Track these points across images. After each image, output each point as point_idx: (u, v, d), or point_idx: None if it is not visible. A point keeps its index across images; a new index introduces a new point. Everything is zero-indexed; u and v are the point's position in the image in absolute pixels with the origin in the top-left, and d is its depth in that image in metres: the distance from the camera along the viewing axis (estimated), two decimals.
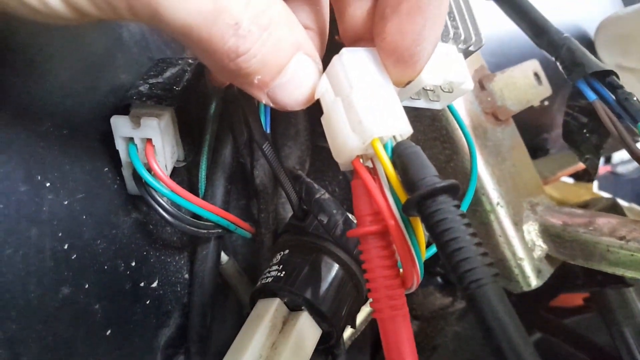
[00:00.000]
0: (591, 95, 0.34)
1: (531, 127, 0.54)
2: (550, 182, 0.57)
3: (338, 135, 0.22)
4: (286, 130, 0.43)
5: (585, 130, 0.39)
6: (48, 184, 0.26)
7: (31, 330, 0.23)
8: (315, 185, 0.35)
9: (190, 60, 0.35)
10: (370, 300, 0.22)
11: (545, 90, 0.43)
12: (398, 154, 0.21)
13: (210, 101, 0.35)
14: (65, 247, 0.26)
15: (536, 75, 0.43)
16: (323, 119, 0.23)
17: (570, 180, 0.61)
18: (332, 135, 0.23)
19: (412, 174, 0.20)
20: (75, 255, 0.26)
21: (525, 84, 0.42)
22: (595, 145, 0.41)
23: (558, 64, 0.35)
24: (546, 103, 0.45)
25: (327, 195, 0.34)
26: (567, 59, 0.34)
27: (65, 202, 0.27)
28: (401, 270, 0.22)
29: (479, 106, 0.39)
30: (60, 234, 0.26)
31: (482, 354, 0.49)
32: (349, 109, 0.21)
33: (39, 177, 0.26)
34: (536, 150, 0.59)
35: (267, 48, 0.20)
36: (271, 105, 0.23)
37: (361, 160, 0.22)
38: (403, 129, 0.22)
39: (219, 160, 0.35)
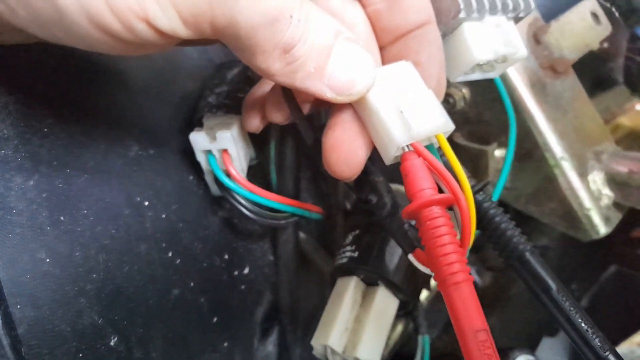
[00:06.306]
0: None
1: (595, 58, 0.51)
2: (621, 114, 0.54)
3: (389, 129, 0.23)
4: None
5: None
6: (146, 203, 0.30)
7: (155, 330, 0.28)
8: (372, 167, 0.37)
9: None
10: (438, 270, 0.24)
11: (605, 29, 0.41)
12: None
13: None
14: (170, 254, 0.30)
15: (594, 15, 0.41)
16: (370, 114, 0.24)
17: None
18: (380, 129, 0.24)
19: None
20: (178, 260, 0.31)
21: (583, 27, 0.40)
22: None
23: (614, 10, 0.33)
24: (606, 45, 0.43)
25: (381, 178, 0.35)
26: (624, 5, 0.33)
27: (163, 216, 0.31)
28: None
29: (535, 62, 0.39)
30: (164, 244, 0.30)
31: None
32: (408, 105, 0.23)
33: (138, 199, 0.30)
34: (603, 81, 0.56)
35: (313, 33, 0.22)
36: (334, 97, 0.23)
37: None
38: (451, 126, 0.23)
39: (286, 152, 0.37)
